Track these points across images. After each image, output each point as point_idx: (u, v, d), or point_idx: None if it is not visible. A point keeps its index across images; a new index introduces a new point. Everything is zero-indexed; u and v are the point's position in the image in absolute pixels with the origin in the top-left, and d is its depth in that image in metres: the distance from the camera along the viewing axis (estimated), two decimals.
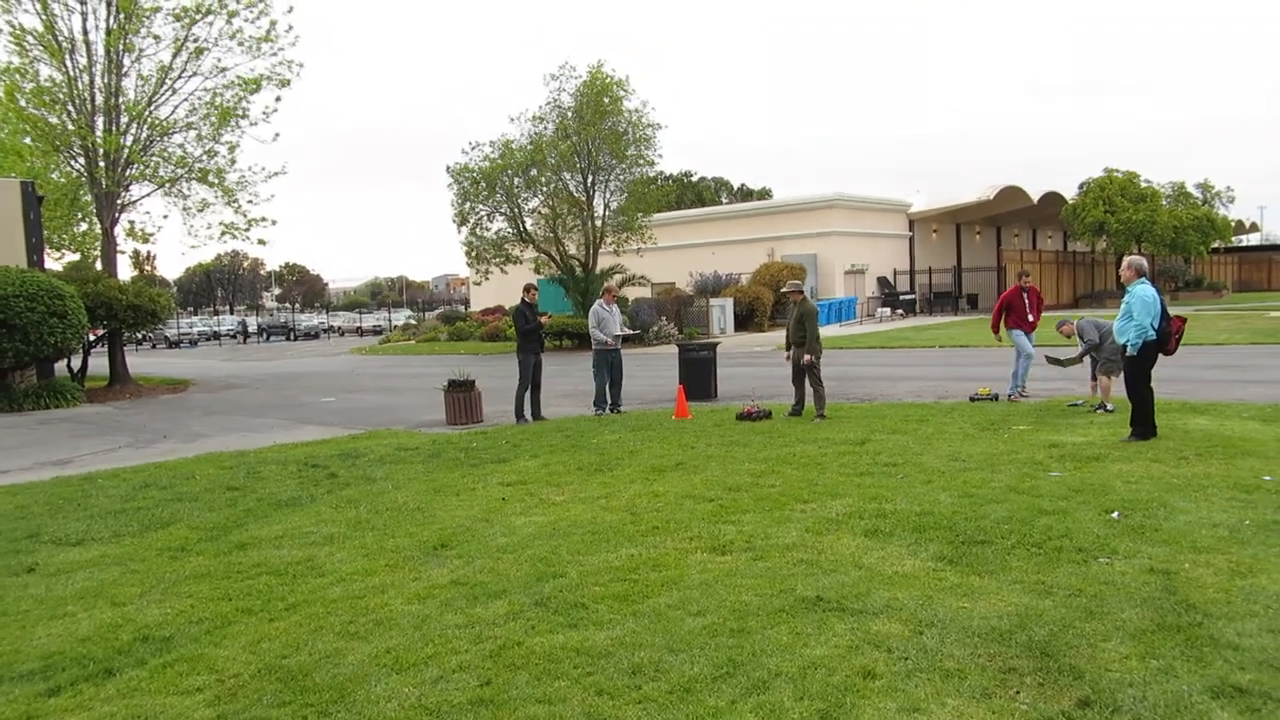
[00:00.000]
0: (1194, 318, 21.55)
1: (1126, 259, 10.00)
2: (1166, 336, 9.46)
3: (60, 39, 21.48)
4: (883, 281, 44.97)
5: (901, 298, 43.63)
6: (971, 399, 13.19)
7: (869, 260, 44.07)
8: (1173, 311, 9.79)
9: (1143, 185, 46.36)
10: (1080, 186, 47.67)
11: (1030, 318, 13.13)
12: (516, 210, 32.09)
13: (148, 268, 70.14)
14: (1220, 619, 4.56)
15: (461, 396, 13.82)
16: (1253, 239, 76.53)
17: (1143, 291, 9.35)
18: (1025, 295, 13.20)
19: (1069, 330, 12.02)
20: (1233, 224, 57.15)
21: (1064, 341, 12.81)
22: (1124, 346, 9.50)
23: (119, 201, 23.00)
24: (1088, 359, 11.73)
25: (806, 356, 12.14)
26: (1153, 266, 45.93)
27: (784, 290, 12.73)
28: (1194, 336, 20.00)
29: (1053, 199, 48.30)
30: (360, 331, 63.60)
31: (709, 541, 6.31)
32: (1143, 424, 9.39)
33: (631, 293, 34.84)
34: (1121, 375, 10.11)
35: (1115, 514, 6.52)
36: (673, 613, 4.97)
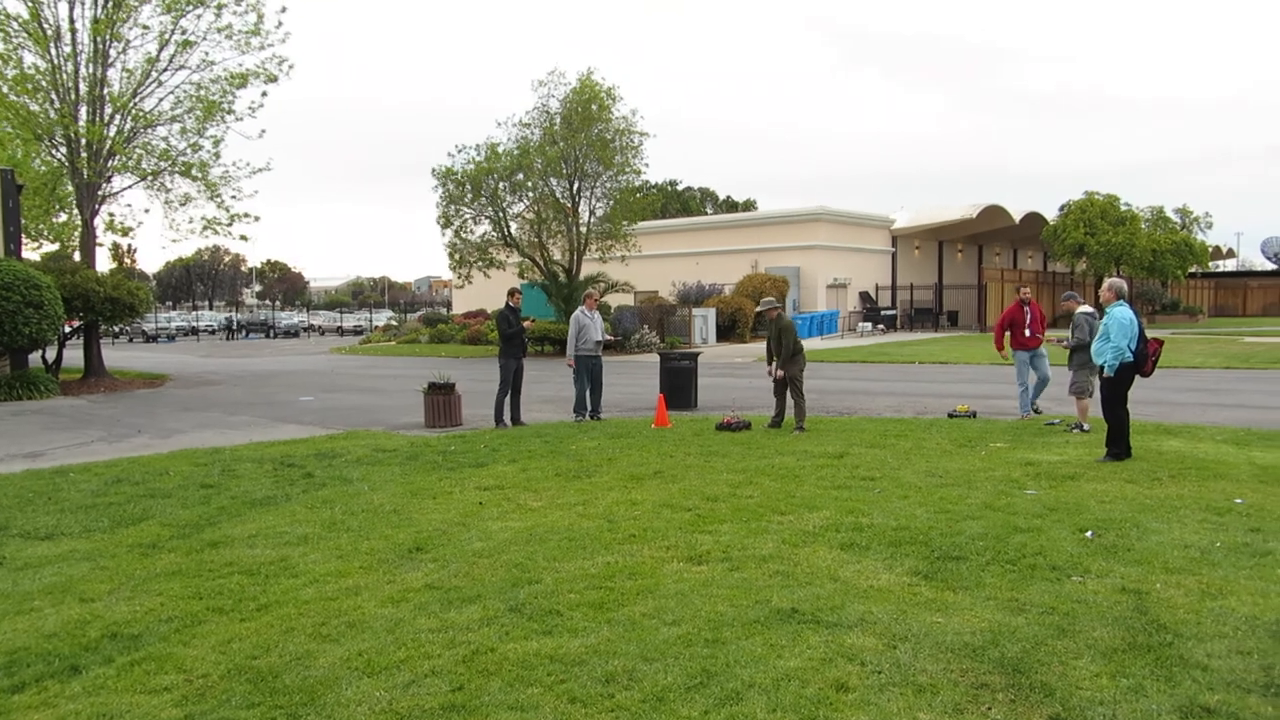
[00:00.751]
0: (1170, 341, 21.78)
1: (1106, 281, 10.09)
2: (1143, 358, 9.54)
3: (46, 26, 21.29)
4: (865, 296, 45.20)
5: (883, 313, 43.85)
6: (950, 415, 13.26)
7: (852, 275, 44.29)
8: (1150, 334, 9.88)
9: (1123, 209, 46.88)
10: (1061, 208, 48.18)
11: (1027, 333, 12.89)
12: (501, 214, 32.05)
13: (127, 261, 69.55)
14: (1190, 639, 4.60)
15: (441, 399, 13.76)
16: (1229, 265, 77.59)
17: (1120, 314, 9.44)
18: (1027, 310, 12.96)
19: (1070, 307, 11.99)
20: (1210, 249, 57.89)
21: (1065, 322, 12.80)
22: (1101, 367, 9.58)
23: (100, 193, 22.81)
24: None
25: (779, 371, 12.27)
26: (1131, 289, 46.36)
27: (759, 310, 12.66)
28: (1169, 360, 20.21)
29: (1034, 219, 48.74)
30: (341, 331, 63.27)
31: (685, 551, 6.30)
32: (1118, 445, 9.46)
33: (615, 300, 34.85)
34: (1096, 395, 10.19)
35: (1089, 533, 6.56)
36: (648, 622, 4.96)
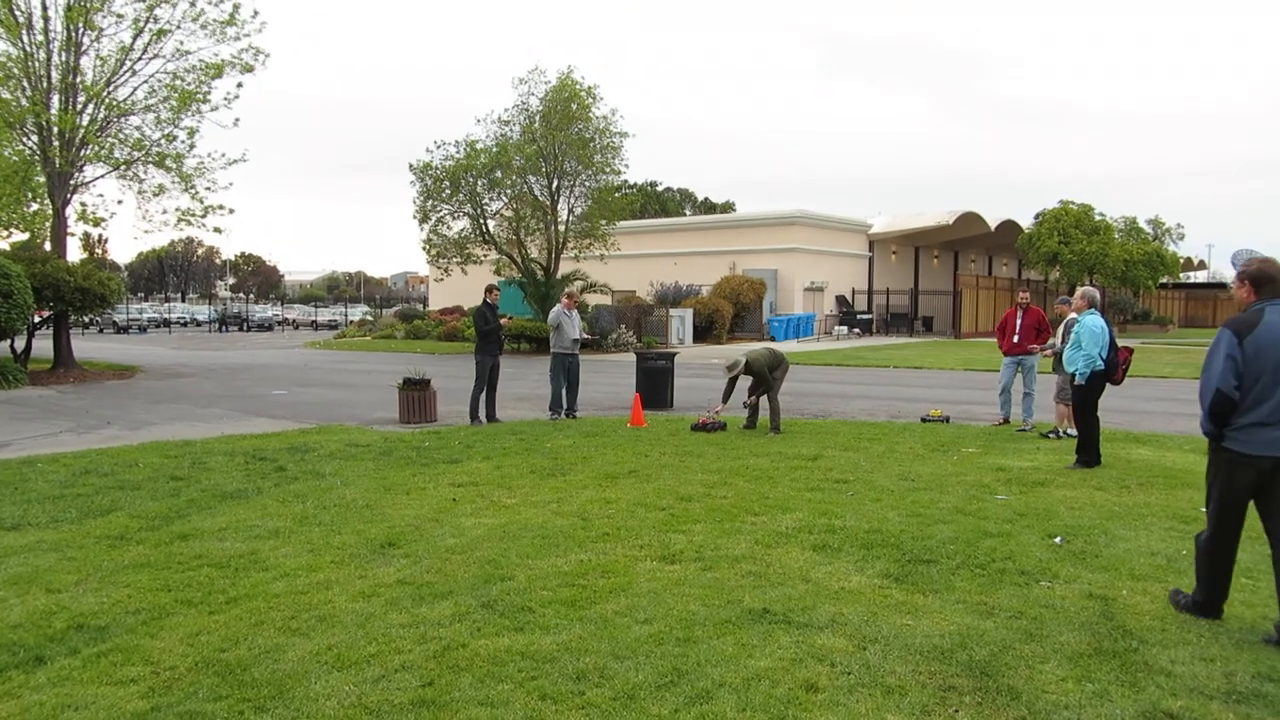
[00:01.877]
0: (1140, 351, 22.02)
1: (1079, 289, 10.19)
2: (1114, 367, 9.65)
3: (18, 12, 20.99)
4: (841, 300, 45.42)
5: (859, 317, 44.08)
6: (923, 419, 13.35)
7: (828, 278, 44.50)
8: (1120, 343, 9.99)
9: (1096, 218, 47.37)
10: (1036, 216, 48.61)
11: (1016, 338, 12.63)
12: (479, 211, 31.93)
13: (98, 251, 68.76)
14: (1155, 645, 4.66)
15: (416, 395, 13.70)
16: (1200, 276, 78.60)
17: (1092, 322, 9.55)
18: (1021, 317, 12.71)
19: (1063, 312, 11.92)
20: (1181, 260, 58.63)
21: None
22: (1072, 375, 9.68)
23: (72, 182, 22.50)
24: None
25: (750, 398, 12.36)
26: (1103, 298, 46.84)
27: (729, 375, 12.46)
28: (1139, 369, 20.43)
29: (1009, 227, 49.18)
30: (315, 326, 62.91)
31: (659, 550, 6.32)
32: (1088, 452, 9.57)
33: (592, 299, 34.81)
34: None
35: (1058, 539, 6.64)
36: (620, 620, 4.96)
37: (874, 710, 3.93)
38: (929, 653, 4.52)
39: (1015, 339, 12.68)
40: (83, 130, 21.82)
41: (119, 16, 21.73)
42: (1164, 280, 54.26)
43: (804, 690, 4.10)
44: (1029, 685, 4.18)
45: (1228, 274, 78.13)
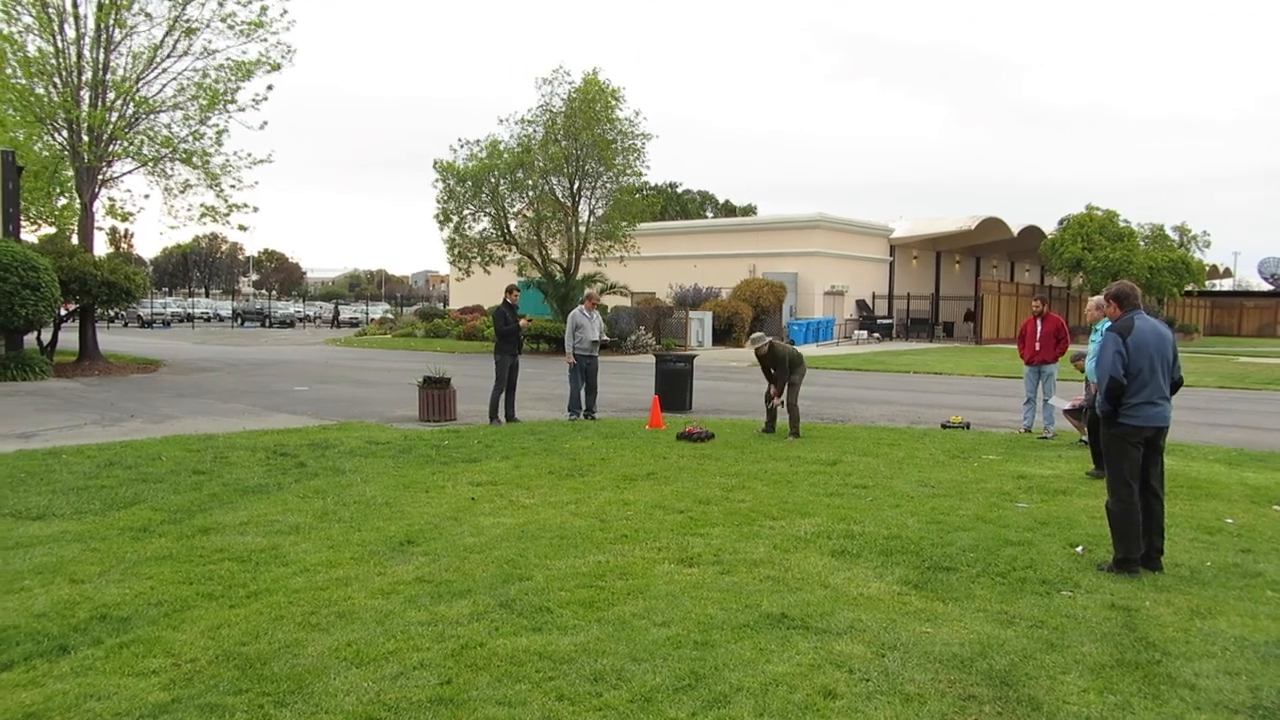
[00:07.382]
0: None
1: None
2: None
3: (51, 10, 21.24)
4: (861, 304, 45.25)
5: (879, 321, 43.91)
6: (943, 426, 13.27)
7: (849, 282, 44.34)
8: None
9: (1121, 225, 46.98)
10: (1060, 222, 48.26)
11: (1038, 346, 12.49)
12: (501, 212, 32.00)
13: (124, 245, 69.42)
14: (1178, 658, 4.61)
15: (436, 393, 13.75)
16: (1226, 284, 77.81)
17: None
18: (1040, 324, 12.58)
19: (1081, 365, 11.79)
20: (1207, 268, 58.06)
21: (1079, 376, 12.18)
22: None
23: (100, 177, 22.74)
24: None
25: (776, 400, 12.20)
26: None
27: (754, 347, 12.40)
28: None
29: (1032, 233, 48.85)
30: (336, 323, 63.41)
31: (677, 553, 6.31)
32: None
33: (611, 301, 34.80)
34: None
35: (1080, 548, 6.58)
36: (637, 622, 4.96)
37: (892, 718, 3.91)
38: (948, 661, 4.49)
39: (1037, 347, 12.58)
40: (111, 126, 22.04)
41: (149, 15, 21.96)
42: (1189, 288, 53.74)
43: (822, 696, 4.09)
44: (1050, 696, 4.15)
45: (1254, 282, 77.46)
